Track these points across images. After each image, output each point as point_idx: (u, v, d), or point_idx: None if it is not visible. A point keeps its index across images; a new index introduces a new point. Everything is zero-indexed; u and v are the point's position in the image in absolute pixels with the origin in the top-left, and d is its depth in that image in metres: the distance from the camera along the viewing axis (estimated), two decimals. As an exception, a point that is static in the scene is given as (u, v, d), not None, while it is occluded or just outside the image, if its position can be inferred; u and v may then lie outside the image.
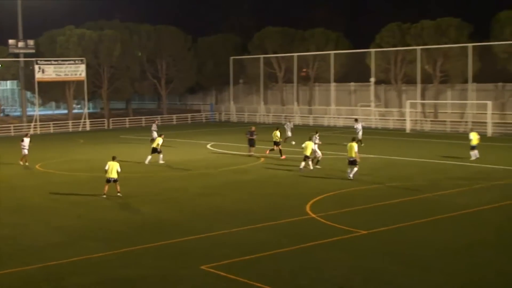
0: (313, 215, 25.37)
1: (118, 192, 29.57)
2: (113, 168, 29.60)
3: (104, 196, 29.39)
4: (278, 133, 42.93)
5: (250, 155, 43.26)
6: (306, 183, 33.05)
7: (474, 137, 40.80)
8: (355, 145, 33.67)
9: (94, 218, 25.73)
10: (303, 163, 36.21)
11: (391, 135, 59.84)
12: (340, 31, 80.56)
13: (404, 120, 65.43)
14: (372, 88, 72.04)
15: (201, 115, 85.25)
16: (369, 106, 71.82)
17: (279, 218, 24.86)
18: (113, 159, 30.20)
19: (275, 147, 42.42)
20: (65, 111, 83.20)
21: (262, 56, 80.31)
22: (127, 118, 78.46)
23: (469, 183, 31.95)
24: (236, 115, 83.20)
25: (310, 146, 36.29)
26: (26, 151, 40.87)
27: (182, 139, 57.81)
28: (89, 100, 79.31)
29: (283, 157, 41.84)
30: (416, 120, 66.43)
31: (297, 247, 20.74)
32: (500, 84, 67.19)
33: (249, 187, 32.13)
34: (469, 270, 18.39)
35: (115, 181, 29.65)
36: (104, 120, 76.14)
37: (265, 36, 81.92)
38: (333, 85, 74.67)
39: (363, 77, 73.24)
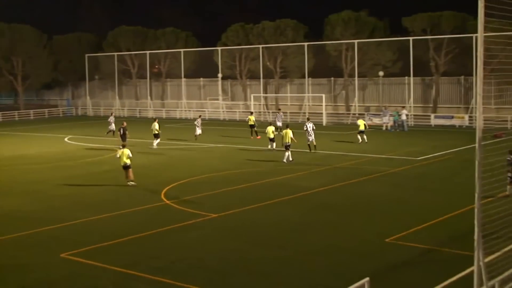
0: (168, 202, 25.18)
1: (131, 180, 28.69)
2: (122, 155, 28.67)
3: (131, 182, 28.61)
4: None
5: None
6: (160, 172, 32.77)
7: (361, 123, 43.53)
8: (290, 132, 34.61)
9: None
10: (286, 154, 34.86)
11: (237, 126, 60.50)
12: (189, 30, 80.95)
13: (249, 112, 66.33)
14: (219, 83, 72.72)
15: (58, 110, 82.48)
16: (217, 99, 72.48)
17: (136, 205, 24.46)
18: (123, 147, 29.32)
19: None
20: None
21: (116, 53, 79.11)
22: (-17, 113, 74.57)
23: (307, 168, 32.89)
24: (92, 110, 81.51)
25: (288, 135, 34.98)
26: None
27: (40, 133, 55.68)
28: None
29: (258, 137, 45.44)
30: (260, 111, 67.62)
31: (153, 232, 20.50)
32: (332, 78, 69.80)
33: (107, 178, 31.38)
34: (311, 243, 18.88)
35: (127, 167, 28.72)
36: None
37: (119, 34, 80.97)
38: (183, 80, 74.80)
39: (211, 73, 73.80)
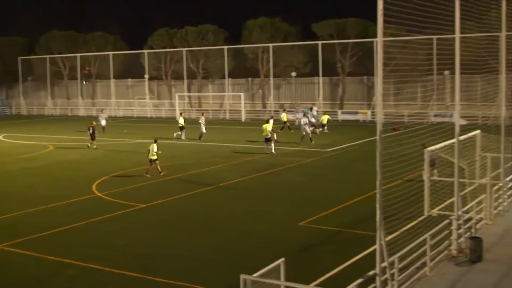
0: (99, 194, 24.69)
1: (160, 172, 28.29)
2: (150, 150, 28.08)
3: (162, 173, 28.19)
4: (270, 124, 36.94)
5: (89, 147, 39.25)
6: (91, 166, 32.07)
7: (325, 118, 45.53)
8: (269, 125, 34.45)
9: None
10: (272, 145, 34.55)
11: (164, 122, 59.91)
12: (117, 34, 79.52)
13: (175, 110, 65.86)
14: (146, 83, 71.86)
15: (-7, 109, 79.55)
16: (144, 99, 71.59)
17: (69, 198, 23.85)
18: (155, 141, 28.78)
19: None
20: None
21: (48, 56, 76.94)
22: None
23: (228, 160, 32.92)
24: (26, 109, 78.88)
25: (267, 128, 34.55)
26: None
27: (-25, 132, 53.47)
28: None
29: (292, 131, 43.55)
30: (184, 109, 67.14)
31: (86, 222, 20.06)
32: (250, 79, 70.05)
33: (41, 173, 30.47)
34: (232, 229, 18.91)
35: (152, 161, 28.10)
36: None
37: (51, 38, 78.74)
38: (112, 81, 73.56)
39: (138, 74, 72.89)
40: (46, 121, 65.98)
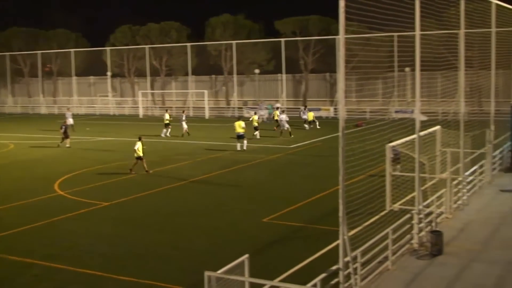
0: (61, 192, 24.33)
1: (146, 170, 27.94)
2: (139, 147, 27.65)
3: (148, 171, 27.90)
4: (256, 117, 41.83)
5: (60, 145, 38.21)
6: (53, 165, 31.59)
7: (310, 115, 46.77)
8: (242, 123, 34.63)
9: None
10: (245, 142, 34.65)
11: (127, 120, 59.36)
12: (79, 32, 78.56)
13: (138, 107, 65.40)
14: (109, 80, 71.11)
15: (-49, 108, 77.73)
16: (107, 96, 70.88)
17: (30, 197, 23.45)
18: (139, 139, 28.12)
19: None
20: None
21: (8, 53, 75.51)
22: None
23: (192, 157, 32.78)
24: (-14, 107, 77.44)
25: (238, 125, 34.55)
26: None
27: None
28: None
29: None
30: (147, 107, 66.71)
31: (47, 221, 19.75)
32: (213, 76, 69.89)
33: (0, 172, 29.89)
34: (195, 227, 18.83)
35: (138, 158, 27.63)
36: None
37: (11, 35, 77.29)
38: (74, 78, 72.55)
39: (100, 72, 72.07)
40: (6, 119, 64.76)
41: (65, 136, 38.12)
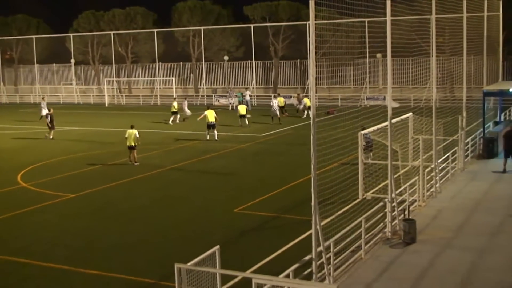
0: (24, 184, 24.04)
1: (135, 161, 27.47)
2: (130, 136, 27.07)
3: (131, 163, 27.52)
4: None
5: (47, 137, 36.93)
6: (16, 155, 31.16)
7: (308, 101, 45.02)
8: (213, 111, 34.39)
9: None
10: (215, 132, 34.30)
11: (92, 109, 58.76)
12: (41, 17, 77.32)
13: (103, 95, 64.78)
14: (72, 68, 70.26)
15: None
16: (71, 84, 70.06)
17: (-8, 189, 23.15)
18: (132, 127, 27.48)
19: None
20: None
21: (-35, 40, 74.09)
22: None
23: (161, 147, 32.63)
24: None
25: (210, 114, 34.12)
26: None
27: None
28: None
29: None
30: (113, 95, 66.10)
31: (11, 215, 19.51)
32: (181, 63, 69.55)
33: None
34: (164, 218, 18.78)
35: (132, 148, 27.16)
36: None
37: (-33, 21, 75.71)
38: (36, 66, 71.46)
39: (64, 59, 71.15)
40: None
41: (51, 126, 36.54)
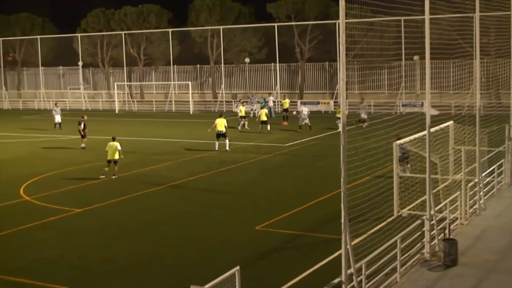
0: (27, 198, 24.25)
1: (113, 175, 27.48)
2: (112, 149, 27.25)
3: (103, 176, 27.38)
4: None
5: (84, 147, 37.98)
6: (18, 166, 31.47)
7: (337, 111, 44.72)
8: (224, 120, 34.68)
9: None
10: (227, 141, 34.51)
11: (101, 116, 59.18)
12: (46, 16, 78.18)
13: (113, 101, 65.21)
14: (80, 71, 70.91)
15: None
16: (78, 89, 70.67)
17: (-8, 203, 23.38)
18: (113, 139, 27.63)
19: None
20: None
21: (-35, 41, 75.19)
22: None
23: (175, 157, 32.74)
24: None
25: (220, 123, 34.48)
26: None
27: None
28: None
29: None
30: (124, 101, 66.56)
31: (12, 231, 19.67)
32: (198, 65, 69.84)
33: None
34: (180, 235, 18.81)
35: (115, 162, 27.33)
36: None
37: (-32, 20, 76.79)
38: (41, 69, 72.26)
39: (71, 61, 71.79)
40: None
41: (83, 135, 36.36)
